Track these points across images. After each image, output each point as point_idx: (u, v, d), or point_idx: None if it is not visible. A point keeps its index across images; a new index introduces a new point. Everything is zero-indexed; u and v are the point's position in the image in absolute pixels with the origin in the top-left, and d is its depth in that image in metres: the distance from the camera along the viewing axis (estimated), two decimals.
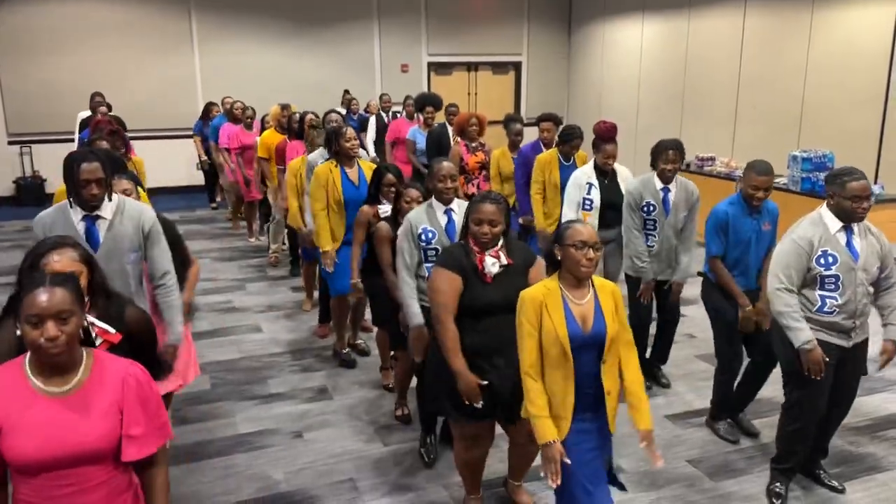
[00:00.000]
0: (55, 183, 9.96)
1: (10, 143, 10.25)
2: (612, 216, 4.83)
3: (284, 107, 7.01)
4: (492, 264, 2.93)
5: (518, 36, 12.68)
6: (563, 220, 4.58)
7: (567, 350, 2.51)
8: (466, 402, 2.92)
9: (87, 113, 8.22)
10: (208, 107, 9.12)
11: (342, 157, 4.71)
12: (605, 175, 4.88)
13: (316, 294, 5.86)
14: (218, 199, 10.15)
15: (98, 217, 2.91)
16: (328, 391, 4.67)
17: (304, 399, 4.57)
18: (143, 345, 2.36)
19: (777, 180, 7.49)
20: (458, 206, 3.58)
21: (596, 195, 4.85)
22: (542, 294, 2.56)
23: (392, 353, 4.46)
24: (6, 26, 9.91)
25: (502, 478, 3.55)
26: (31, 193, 10.22)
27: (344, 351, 5.08)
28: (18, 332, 1.76)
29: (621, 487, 2.84)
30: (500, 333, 2.83)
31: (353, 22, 11.53)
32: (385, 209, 4.11)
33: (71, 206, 2.91)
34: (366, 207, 4.23)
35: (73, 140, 8.54)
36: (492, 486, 3.55)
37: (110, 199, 2.93)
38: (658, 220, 4.39)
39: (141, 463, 1.92)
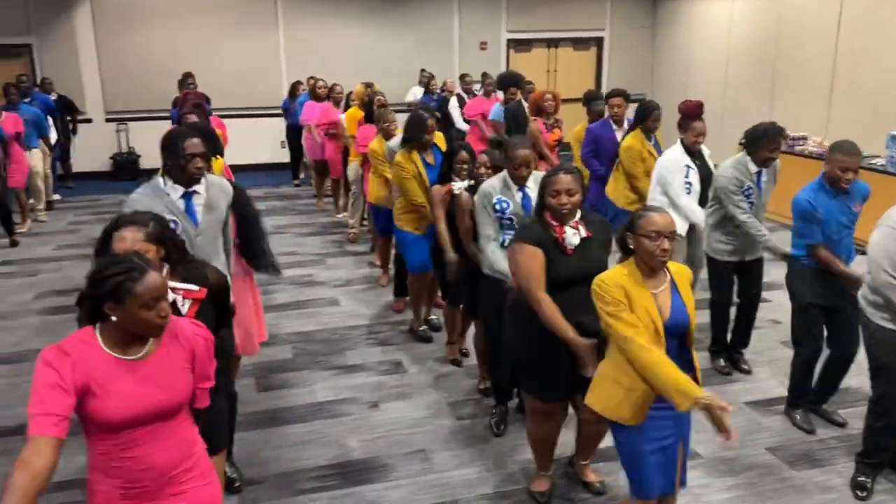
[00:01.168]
0: (148, 160, 10.51)
1: (107, 120, 10.80)
2: (704, 199, 4.66)
3: (368, 85, 7.13)
4: (572, 235, 2.92)
5: (600, 10, 12.38)
6: (686, 209, 4.54)
7: (660, 330, 2.45)
8: (580, 372, 2.82)
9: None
10: (295, 85, 9.34)
11: (421, 146, 4.74)
12: (694, 155, 4.67)
13: (392, 270, 5.97)
14: (301, 175, 10.42)
15: (195, 192, 3.06)
16: (403, 365, 4.77)
17: (379, 371, 4.69)
18: (223, 303, 2.53)
19: (874, 161, 7.10)
20: (533, 180, 3.58)
21: (695, 178, 4.62)
22: (622, 278, 2.50)
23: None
24: (104, 7, 10.41)
25: (568, 457, 3.56)
26: (126, 169, 10.75)
27: (421, 328, 5.18)
28: (114, 317, 1.87)
29: (682, 484, 2.79)
30: (578, 304, 2.79)
31: None
32: (459, 185, 4.13)
33: (165, 184, 3.05)
34: (439, 187, 4.27)
35: (167, 118, 8.96)
36: (558, 466, 3.56)
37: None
38: (754, 202, 4.26)
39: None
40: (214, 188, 3.14)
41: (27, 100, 8.27)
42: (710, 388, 4.21)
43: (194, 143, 2.96)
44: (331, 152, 7.99)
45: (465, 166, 4.14)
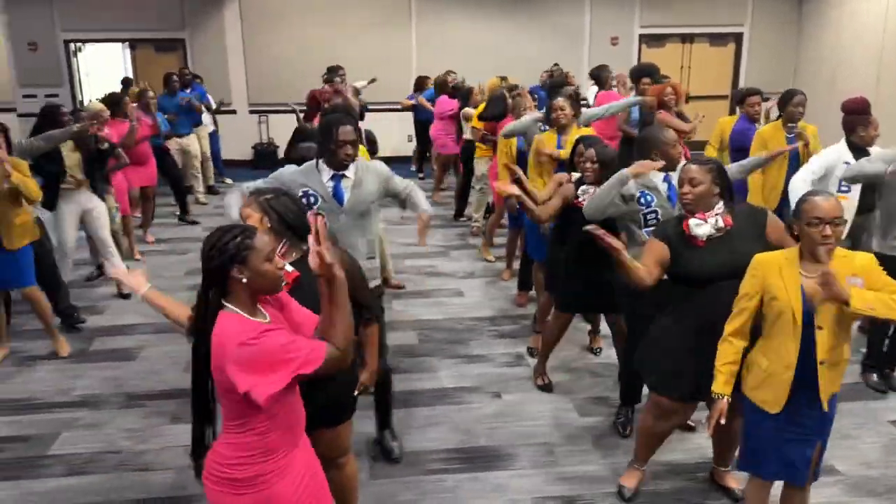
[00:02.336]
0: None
1: (250, 112, 11.47)
2: (869, 199, 4.35)
3: (503, 79, 7.22)
4: (696, 226, 2.85)
5: (741, 5, 11.81)
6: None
7: (797, 317, 2.43)
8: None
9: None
10: (421, 80, 9.55)
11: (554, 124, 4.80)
12: (861, 153, 4.44)
13: (516, 264, 6.01)
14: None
15: (343, 176, 3.25)
16: (525, 358, 4.80)
17: (502, 363, 4.75)
18: (353, 284, 2.62)
19: None
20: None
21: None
22: (778, 260, 2.50)
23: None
24: (251, 3, 11.04)
25: (698, 463, 3.48)
26: (265, 158, 11.38)
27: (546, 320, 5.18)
28: (244, 278, 1.98)
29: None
30: (725, 303, 2.71)
31: None
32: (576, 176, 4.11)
33: (318, 167, 3.26)
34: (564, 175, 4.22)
35: (302, 111, 9.41)
36: (688, 471, 3.49)
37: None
38: None
39: None
40: (366, 172, 3.32)
41: (187, 90, 8.91)
42: (854, 405, 4.01)
43: (347, 131, 3.16)
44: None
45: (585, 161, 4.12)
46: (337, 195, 3.25)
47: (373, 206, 3.37)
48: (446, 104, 8.34)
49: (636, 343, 3.30)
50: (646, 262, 2.90)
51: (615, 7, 11.63)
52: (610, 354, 4.58)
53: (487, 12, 11.34)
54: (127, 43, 11.46)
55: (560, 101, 4.74)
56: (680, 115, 6.13)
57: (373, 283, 3.21)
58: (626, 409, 3.91)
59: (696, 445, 3.67)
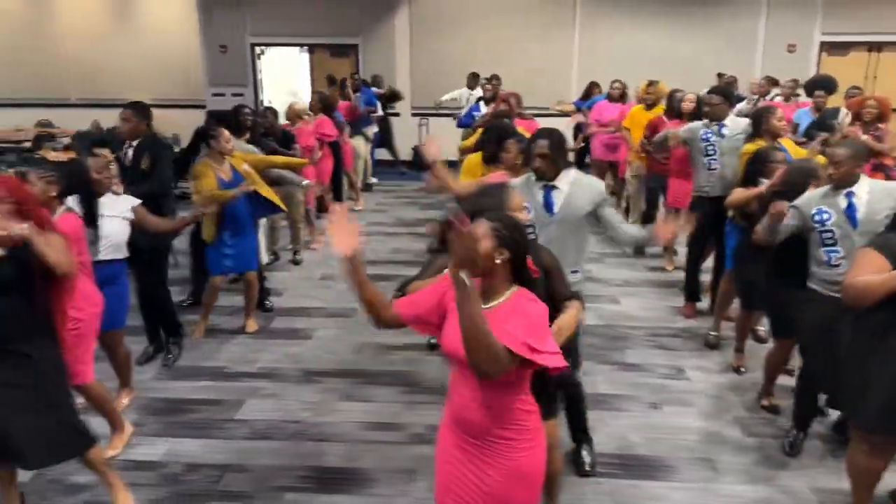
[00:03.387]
0: (445, 152, 11.43)
1: (412, 114, 11.95)
2: None
3: (651, 83, 7.09)
4: None
5: None
6: None
7: None
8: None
9: (479, 93, 9.24)
10: (590, 87, 9.51)
11: (770, 135, 4.63)
12: None
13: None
14: None
15: (555, 187, 3.39)
16: (685, 371, 4.70)
17: (661, 374, 4.68)
18: (554, 281, 2.72)
19: None
20: (863, 187, 3.33)
21: None
22: None
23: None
24: (421, 11, 11.51)
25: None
26: (423, 160, 11.82)
27: (713, 333, 5.07)
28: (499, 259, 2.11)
29: None
30: None
31: None
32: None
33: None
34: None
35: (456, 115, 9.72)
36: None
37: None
38: None
39: None
40: (580, 186, 3.41)
41: (357, 94, 9.48)
42: None
43: (540, 145, 3.34)
44: (622, 153, 8.07)
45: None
46: (547, 205, 3.38)
47: (584, 220, 3.42)
48: (606, 110, 8.28)
49: (821, 367, 3.15)
50: (859, 272, 2.71)
51: (795, 12, 10.99)
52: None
53: (654, 17, 11.10)
54: (306, 47, 12.33)
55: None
56: (878, 132, 5.65)
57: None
58: (799, 432, 3.73)
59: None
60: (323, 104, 7.69)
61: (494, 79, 8.30)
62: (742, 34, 11.10)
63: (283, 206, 5.34)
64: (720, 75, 9.89)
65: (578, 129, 9.54)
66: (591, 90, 9.46)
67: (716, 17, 11.06)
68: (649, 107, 6.99)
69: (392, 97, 10.84)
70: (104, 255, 3.84)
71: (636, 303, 5.94)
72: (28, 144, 10.41)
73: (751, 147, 4.57)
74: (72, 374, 3.20)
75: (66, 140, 9.56)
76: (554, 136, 3.36)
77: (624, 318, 5.61)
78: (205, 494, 3.45)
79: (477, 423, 2.15)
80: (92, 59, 12.34)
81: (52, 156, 8.30)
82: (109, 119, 11.67)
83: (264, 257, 6.12)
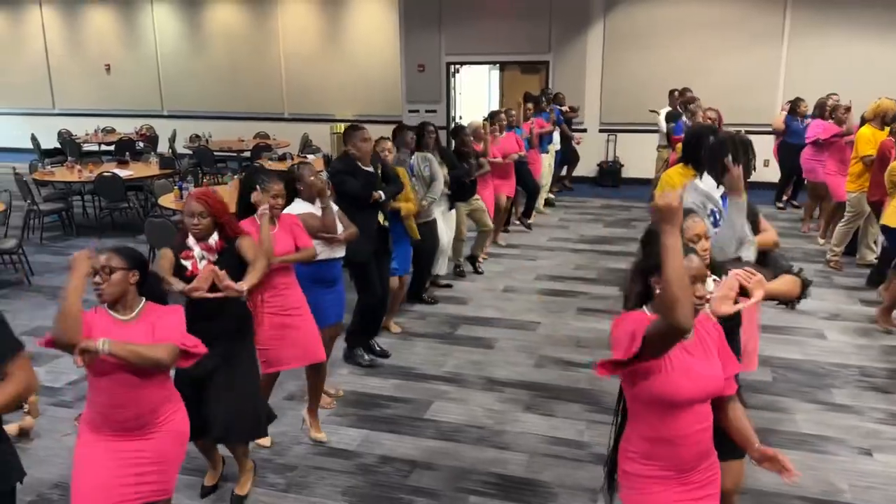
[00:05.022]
0: (631, 169, 11.26)
1: (600, 130, 11.81)
2: None
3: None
4: None
5: None
6: None
7: None
8: None
9: (668, 108, 8.96)
10: (796, 102, 8.89)
11: None
12: None
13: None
14: (784, 198, 9.87)
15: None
16: None
17: (875, 418, 4.24)
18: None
19: None
20: None
21: None
22: None
23: None
24: (615, 27, 11.36)
25: None
26: (609, 176, 11.61)
27: None
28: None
29: None
30: None
31: None
32: None
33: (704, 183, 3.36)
34: None
35: (654, 131, 9.44)
36: None
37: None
38: None
39: None
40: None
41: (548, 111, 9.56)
42: None
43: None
44: (831, 172, 7.46)
45: None
46: (725, 210, 3.27)
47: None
48: (818, 127, 7.67)
49: None
50: None
51: None
52: None
53: (866, 28, 10.11)
54: (497, 65, 12.61)
55: None
56: None
57: None
58: None
59: None
60: (508, 121, 7.86)
61: (687, 91, 8.01)
62: None
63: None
64: None
65: (788, 147, 8.92)
66: (797, 106, 8.84)
67: None
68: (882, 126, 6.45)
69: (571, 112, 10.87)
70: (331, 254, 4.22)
71: (846, 338, 5.42)
72: (247, 154, 11.64)
73: None
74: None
75: (281, 151, 10.52)
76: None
77: (831, 354, 5.15)
78: (396, 487, 3.65)
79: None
80: (305, 78, 13.54)
81: (270, 165, 9.24)
82: (315, 133, 12.78)
83: (444, 267, 6.41)
